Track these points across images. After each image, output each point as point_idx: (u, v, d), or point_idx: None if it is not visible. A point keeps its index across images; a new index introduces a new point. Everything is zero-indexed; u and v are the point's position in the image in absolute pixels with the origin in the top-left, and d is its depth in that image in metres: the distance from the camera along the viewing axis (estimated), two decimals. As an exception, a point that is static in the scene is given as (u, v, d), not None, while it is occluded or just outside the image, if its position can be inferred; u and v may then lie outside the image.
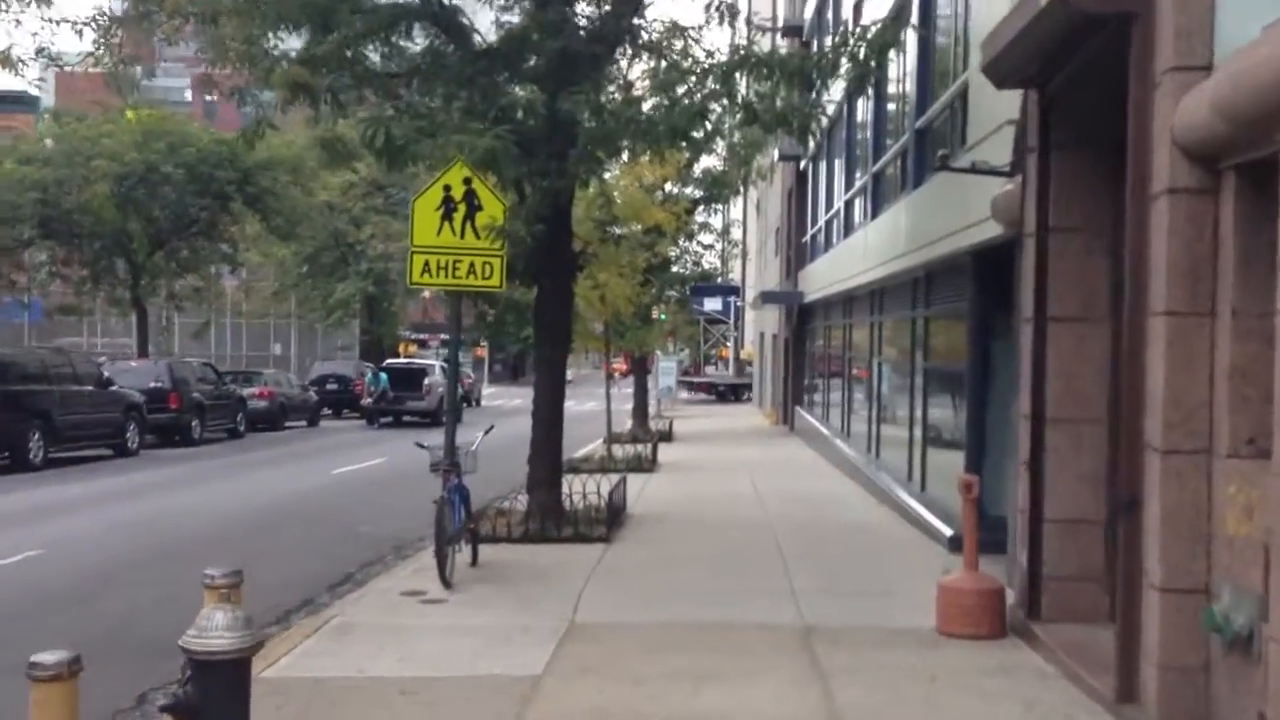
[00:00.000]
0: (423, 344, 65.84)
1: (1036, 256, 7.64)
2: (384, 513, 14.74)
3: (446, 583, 9.44)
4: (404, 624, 8.33)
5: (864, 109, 20.05)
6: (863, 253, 17.73)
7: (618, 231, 22.54)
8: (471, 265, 10.79)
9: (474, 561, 10.57)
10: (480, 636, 7.95)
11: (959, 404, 12.32)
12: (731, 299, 73.33)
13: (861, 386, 19.44)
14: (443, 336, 71.11)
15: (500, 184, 11.13)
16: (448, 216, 10.66)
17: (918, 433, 13.99)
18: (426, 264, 10.79)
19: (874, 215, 17.22)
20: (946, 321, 12.62)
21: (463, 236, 10.71)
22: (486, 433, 11.06)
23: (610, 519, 12.61)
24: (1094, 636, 7.38)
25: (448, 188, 10.64)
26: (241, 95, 11.04)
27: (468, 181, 10.62)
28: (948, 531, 11.25)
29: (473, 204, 10.67)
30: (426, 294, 25.21)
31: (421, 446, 10.64)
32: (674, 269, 30.42)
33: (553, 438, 12.91)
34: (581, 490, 13.23)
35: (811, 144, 11.12)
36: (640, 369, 30.59)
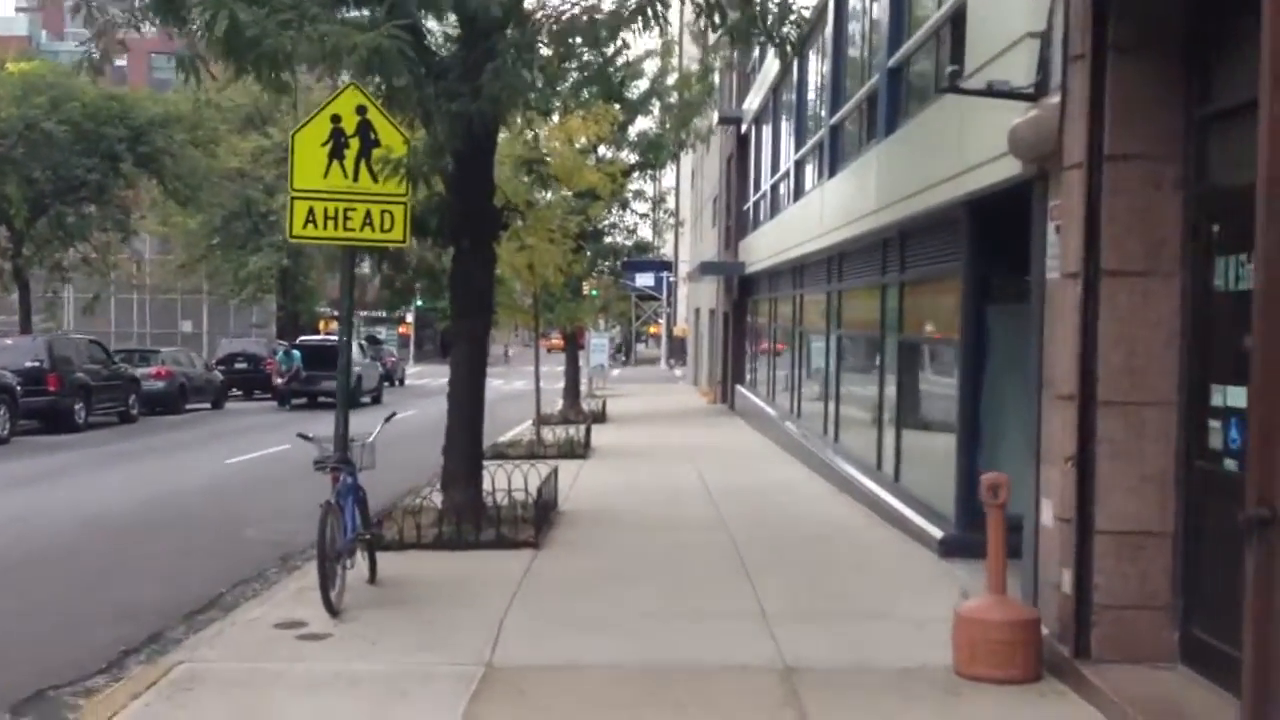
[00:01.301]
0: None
1: (1087, 194, 5.92)
2: (277, 511, 12.71)
3: (332, 610, 7.53)
4: (269, 672, 6.41)
5: (816, 61, 18.31)
6: (818, 216, 16.02)
7: (548, 195, 20.66)
8: (368, 215, 8.84)
9: (372, 578, 8.66)
10: (366, 691, 6.06)
11: (943, 382, 10.65)
12: (664, 274, 71.81)
13: (815, 363, 17.76)
14: (367, 314, 68.73)
15: (405, 118, 9.17)
16: (337, 154, 8.69)
17: (888, 415, 12.32)
18: (311, 213, 8.81)
19: (832, 173, 15.50)
20: (928, 286, 10.93)
21: (356, 179, 8.76)
22: (387, 420, 9.14)
23: (539, 518, 10.76)
24: (1163, 683, 5.74)
25: (336, 118, 8.67)
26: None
27: (362, 110, 8.66)
28: (935, 532, 9.58)
29: (368, 139, 8.71)
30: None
31: (305, 438, 8.67)
32: (607, 240, 28.53)
33: (471, 425, 11.02)
34: (506, 484, 11.37)
35: (789, 56, 9.24)
36: (572, 346, 28.73)
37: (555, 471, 12.57)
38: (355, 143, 8.68)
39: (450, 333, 11.14)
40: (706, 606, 7.92)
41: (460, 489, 10.81)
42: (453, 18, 10.26)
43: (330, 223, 8.76)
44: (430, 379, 51.62)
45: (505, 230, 11.57)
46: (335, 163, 8.70)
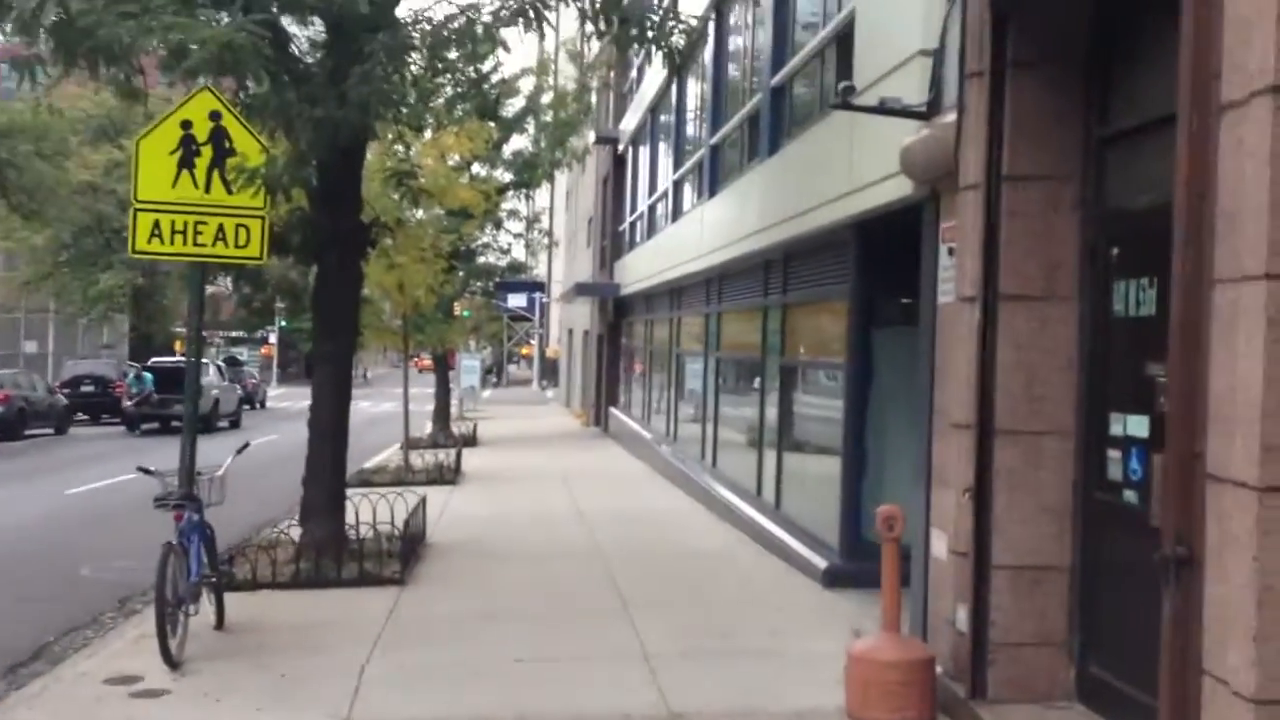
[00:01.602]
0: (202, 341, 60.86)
1: (985, 215, 5.69)
2: (119, 547, 11.75)
3: (172, 661, 6.83)
4: (97, 737, 5.73)
5: (696, 82, 18.14)
6: (696, 237, 15.78)
7: (419, 213, 20.01)
8: (221, 229, 8.17)
9: (219, 623, 7.95)
10: (208, 757, 5.44)
11: (827, 407, 10.43)
12: (537, 295, 71.24)
13: (693, 385, 17.50)
14: (227, 334, 66.36)
15: (266, 128, 8.52)
16: (187, 163, 8.01)
17: (769, 440, 12.06)
18: (157, 226, 8.11)
19: (712, 194, 15.28)
20: (812, 308, 10.71)
21: (209, 190, 8.09)
22: (240, 451, 8.43)
23: (406, 552, 10.15)
24: (1063, 724, 5.50)
25: (187, 124, 7.99)
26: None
27: (216, 116, 8.01)
28: (819, 562, 9.31)
29: (223, 147, 8.06)
30: (209, 287, 21.93)
31: (146, 472, 7.92)
32: (480, 259, 27.90)
33: (334, 453, 10.36)
34: (371, 516, 10.75)
35: (676, 61, 8.88)
36: (442, 367, 27.95)
37: (423, 501, 11.96)
38: (208, 151, 8.01)
39: (313, 355, 10.48)
40: (585, 648, 7.46)
41: (321, 522, 10.14)
42: (319, 24, 9.69)
43: (178, 237, 8.06)
44: (293, 401, 49.89)
45: (373, 248, 10.95)
46: (185, 172, 8.01)
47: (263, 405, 44.61)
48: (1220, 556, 3.74)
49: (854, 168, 8.56)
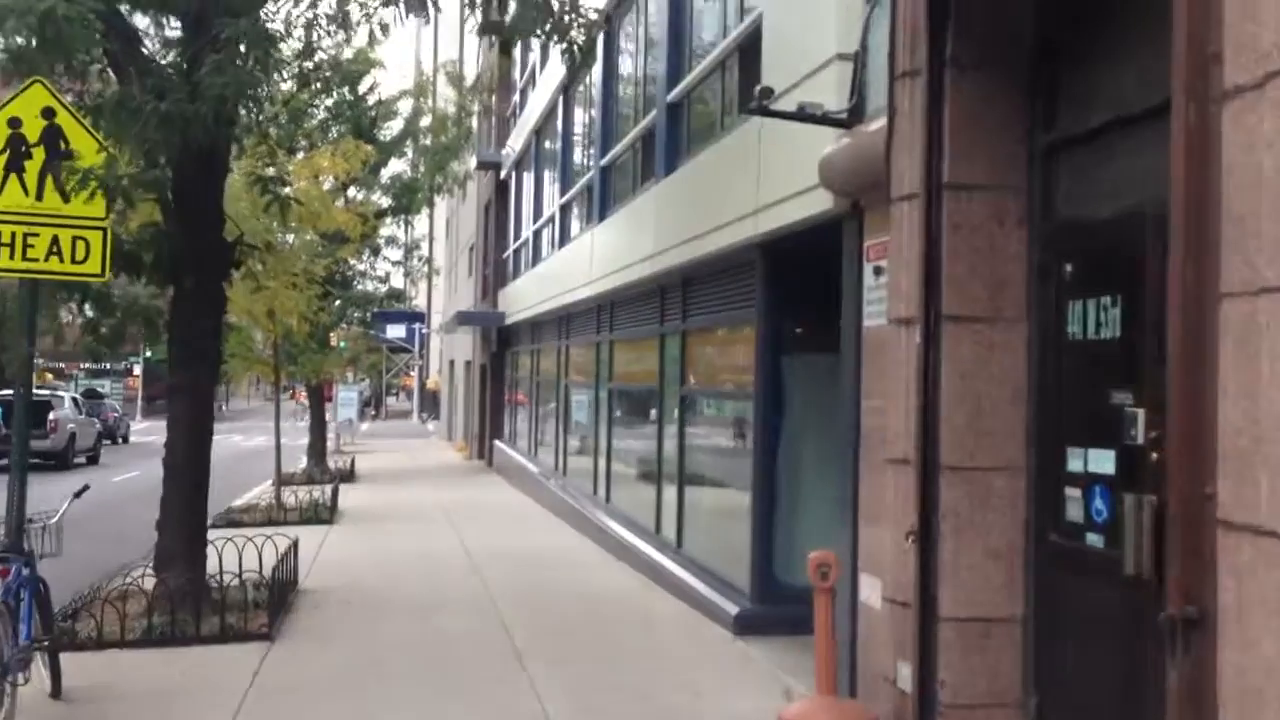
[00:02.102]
0: (60, 373, 57.89)
1: (925, 227, 5.15)
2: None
3: (-9, 746, 5.83)
4: None
5: (584, 107, 17.55)
6: (586, 263, 15.14)
7: (291, 239, 18.95)
8: (55, 242, 7.17)
9: (55, 691, 6.93)
10: None
11: (733, 439, 9.84)
12: (417, 325, 69.83)
13: (584, 417, 16.78)
14: (86, 365, 63.17)
15: (109, 129, 7.57)
16: (15, 166, 7.02)
17: (668, 474, 11.42)
18: (-19, 239, 7.08)
19: (601, 217, 14.66)
20: (714, 335, 10.12)
21: (40, 197, 7.11)
22: (78, 495, 7.42)
23: (275, 602, 9.19)
24: (1020, 795, 4.93)
25: (15, 122, 7.01)
26: None
27: (49, 114, 7.05)
28: (729, 607, 8.66)
29: (57, 148, 7.09)
30: (65, 317, 20.38)
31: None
32: (358, 287, 26.79)
33: (192, 494, 9.39)
34: (237, 560, 9.78)
35: (581, 61, 8.25)
36: (317, 400, 26.69)
37: (295, 544, 10.96)
38: (39, 153, 7.04)
39: (170, 386, 9.48)
40: (479, 714, 6.66)
41: (178, 570, 9.14)
42: (177, 24, 8.80)
43: (4, 250, 7.05)
44: (158, 436, 47.00)
45: (237, 269, 10.01)
46: (13, 177, 7.02)
47: (125, 440, 42.30)
48: (1241, 618, 3.19)
49: (762, 185, 8.01)
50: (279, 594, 9.49)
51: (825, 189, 6.60)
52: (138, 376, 71.46)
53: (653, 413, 12.29)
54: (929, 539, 5.09)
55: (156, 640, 8.43)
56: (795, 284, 8.48)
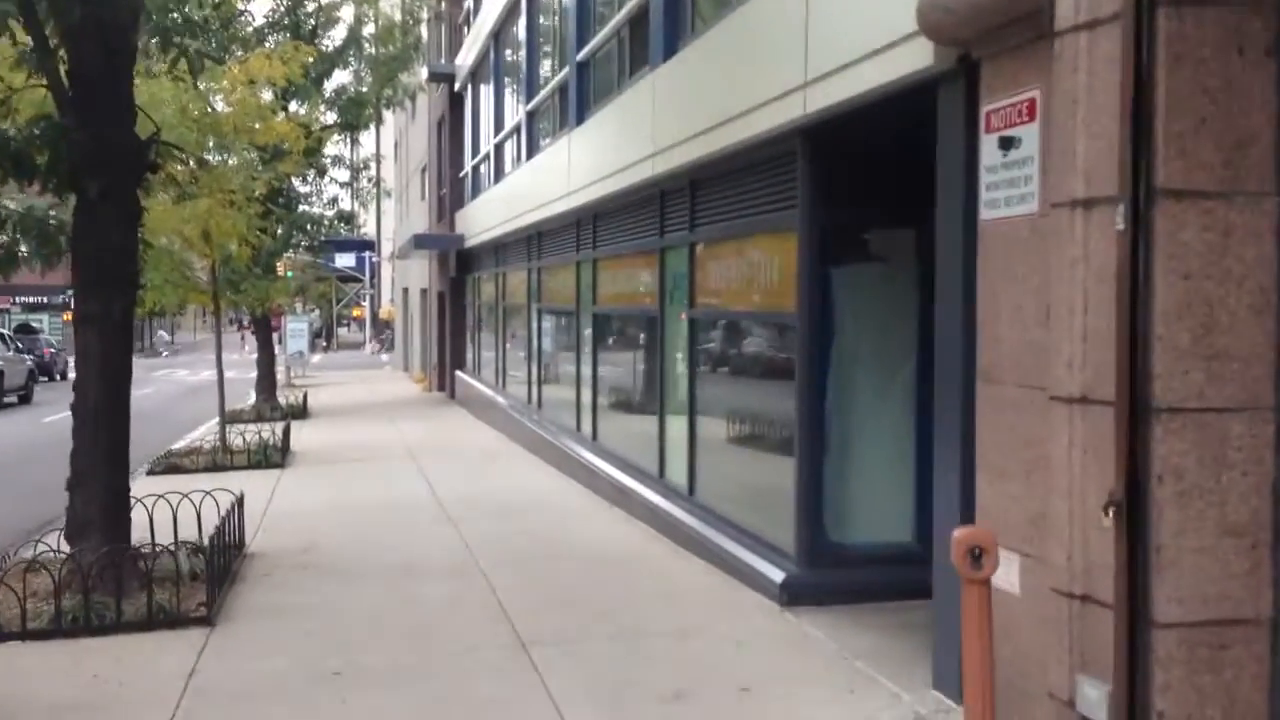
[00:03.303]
0: (-11, 308, 55.34)
1: (1133, 61, 3.55)
2: None
3: None
4: None
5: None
6: (562, 173, 13.41)
7: (230, 159, 17.01)
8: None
9: (-78, 714, 5.34)
10: None
11: (764, 368, 8.30)
12: (367, 254, 67.50)
13: (562, 345, 15.17)
14: (20, 299, 60.32)
15: None
16: None
17: (674, 410, 9.88)
18: None
19: (579, 120, 12.91)
20: (735, 246, 8.47)
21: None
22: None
23: (215, 574, 7.59)
24: None
25: None
26: None
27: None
28: (772, 573, 7.14)
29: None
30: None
31: None
32: (303, 209, 24.74)
33: (110, 446, 7.72)
34: (172, 521, 8.21)
35: None
36: (264, 331, 24.81)
37: (240, 500, 9.33)
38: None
39: (77, 316, 7.74)
40: (480, 729, 5.14)
41: (96, 539, 7.51)
42: None
43: None
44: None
45: (154, 173, 8.21)
46: None
47: (63, 377, 40.04)
48: None
49: (814, 52, 6.37)
50: (220, 563, 7.89)
51: (929, 37, 4.97)
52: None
53: (651, 338, 10.71)
54: (1139, 511, 3.57)
55: (66, 630, 6.83)
56: (851, 176, 6.90)
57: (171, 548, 7.82)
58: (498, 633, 6.67)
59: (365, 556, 8.99)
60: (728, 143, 7.78)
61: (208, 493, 9.13)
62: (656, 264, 10.22)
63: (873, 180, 6.95)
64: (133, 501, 8.79)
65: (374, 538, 9.78)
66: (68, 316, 69.62)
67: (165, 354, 43.54)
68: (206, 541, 7.86)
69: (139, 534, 8.35)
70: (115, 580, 7.22)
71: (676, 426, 9.69)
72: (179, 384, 33.93)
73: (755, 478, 8.11)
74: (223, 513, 8.63)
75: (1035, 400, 4.33)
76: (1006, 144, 4.66)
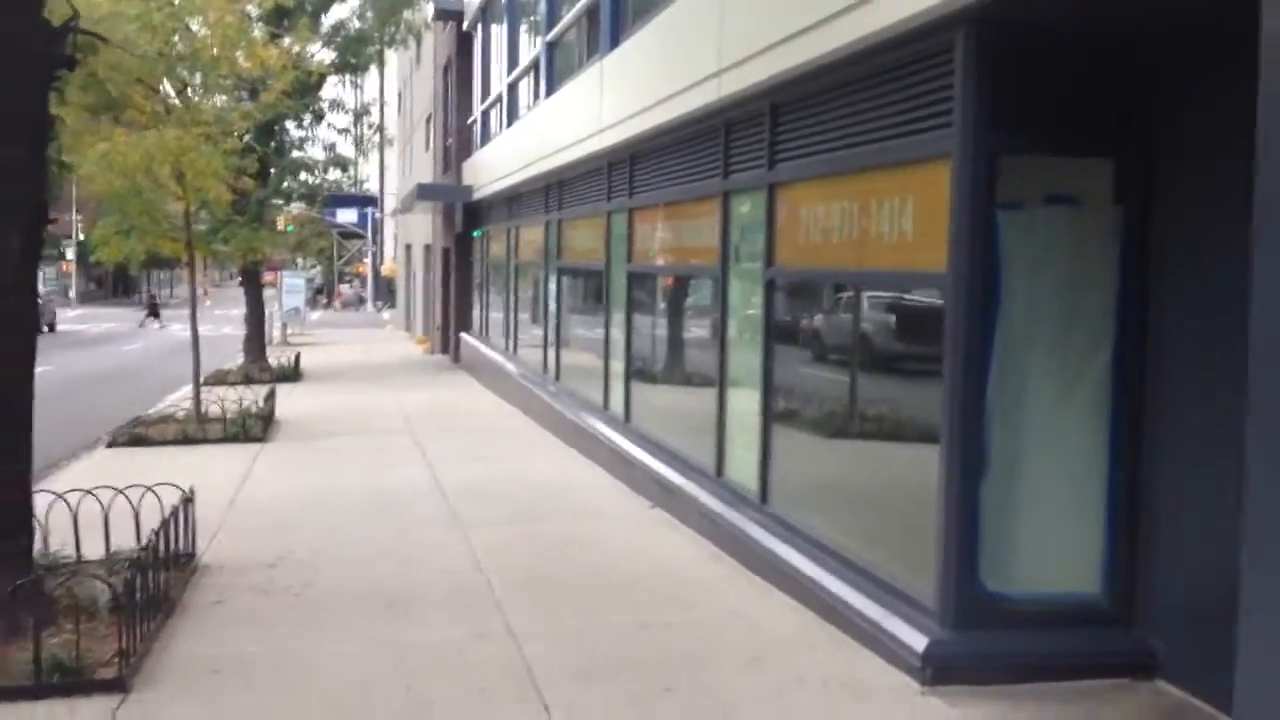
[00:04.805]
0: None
1: None
2: None
3: None
4: None
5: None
6: (592, 106, 11.39)
7: (218, 99, 15.01)
8: None
9: None
10: None
11: (876, 351, 6.31)
12: (369, 210, 65.38)
13: (587, 309, 13.17)
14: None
15: None
16: None
17: (742, 392, 7.91)
18: None
19: (614, 43, 10.84)
20: (841, 184, 6.41)
21: None
22: None
23: (148, 604, 5.66)
24: None
25: None
26: None
27: None
28: (910, 636, 5.14)
29: None
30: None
31: None
32: (295, 153, 22.61)
33: (8, 439, 5.76)
34: (102, 526, 6.34)
35: None
36: (254, 285, 22.80)
37: (190, 498, 7.36)
38: None
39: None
40: None
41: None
42: None
43: None
44: (94, 324, 43.57)
45: (71, 69, 6.18)
46: None
47: (51, 329, 38.11)
48: None
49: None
50: (155, 586, 5.95)
51: None
52: (71, 261, 66.59)
53: (705, 304, 8.73)
54: None
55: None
56: (1030, 84, 4.92)
57: (102, 569, 5.89)
58: (529, 709, 4.72)
59: (347, 575, 7.03)
60: (840, 43, 5.74)
61: (148, 489, 7.16)
62: (717, 212, 8.18)
63: (1060, 91, 4.97)
64: (51, 497, 6.92)
65: (361, 545, 7.83)
66: (65, 266, 67.67)
67: (158, 326, 41.45)
68: (141, 554, 5.92)
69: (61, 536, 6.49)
70: (8, 621, 5.30)
71: (742, 413, 7.70)
72: (171, 339, 31.95)
73: (868, 493, 6.13)
74: (168, 512, 6.72)
75: None
76: None
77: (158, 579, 6.10)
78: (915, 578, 5.26)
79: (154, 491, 7.13)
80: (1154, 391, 5.05)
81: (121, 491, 7.11)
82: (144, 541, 6.20)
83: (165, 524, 6.53)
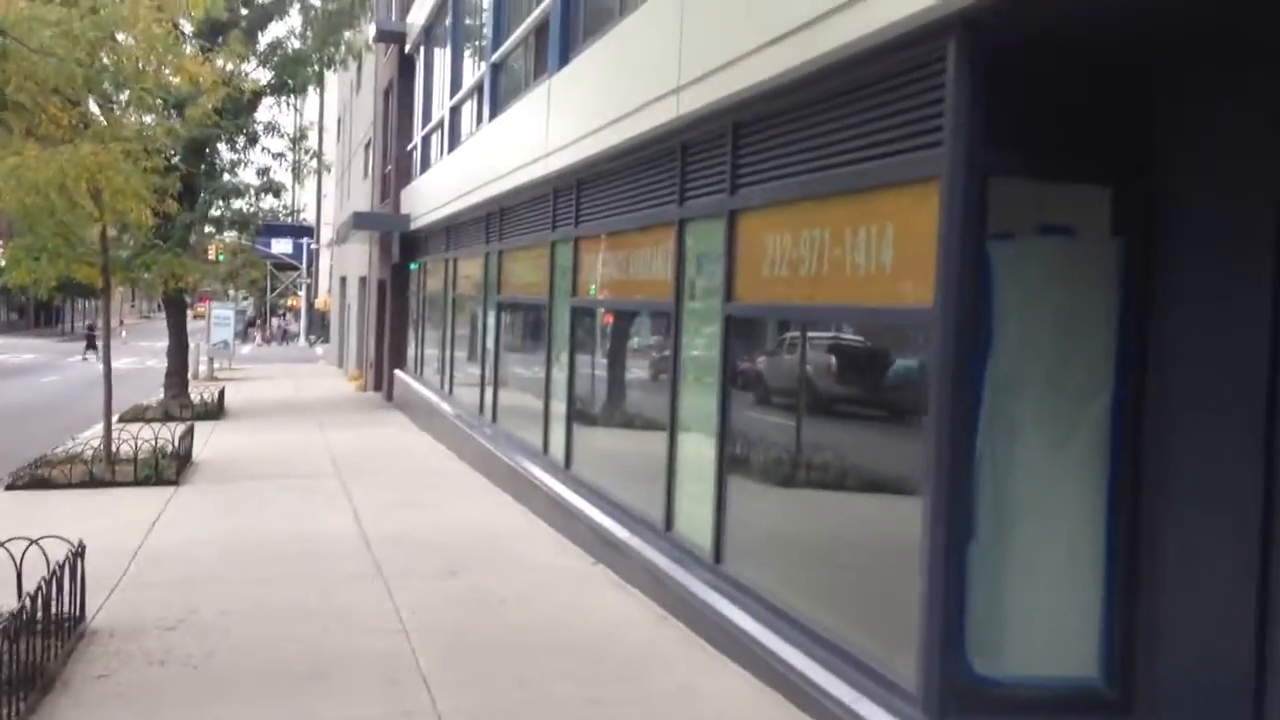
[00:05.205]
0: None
1: None
2: None
3: None
4: None
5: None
6: (542, 125, 10.79)
7: (138, 115, 14.17)
8: None
9: None
10: None
11: (847, 393, 5.73)
12: (305, 240, 64.17)
13: (527, 345, 12.51)
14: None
15: None
16: None
17: (690, 447, 7.29)
18: None
19: (563, 61, 10.28)
20: (811, 210, 5.84)
21: None
22: None
23: (19, 680, 4.87)
24: None
25: None
26: None
27: None
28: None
29: None
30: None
31: None
32: (226, 177, 21.70)
33: None
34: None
35: None
36: (177, 314, 21.75)
37: (79, 553, 6.55)
38: None
39: None
40: None
41: None
42: None
43: None
44: (12, 354, 41.87)
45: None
46: None
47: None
48: None
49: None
50: (29, 660, 5.16)
51: None
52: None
53: (653, 342, 8.12)
54: None
55: None
56: (1028, 102, 4.40)
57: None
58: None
59: (258, 640, 6.28)
60: (816, 53, 5.19)
61: (33, 542, 6.35)
62: (672, 241, 7.60)
63: (1058, 110, 4.46)
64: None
65: (275, 604, 7.06)
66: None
67: (85, 358, 39.89)
68: (27, 613, 5.13)
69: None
70: None
71: (696, 461, 7.09)
72: (93, 371, 30.67)
73: (835, 555, 5.53)
74: (51, 572, 5.92)
75: None
76: None
77: (32, 648, 5.32)
78: (892, 655, 4.65)
79: (39, 545, 6.33)
80: (1156, 442, 4.53)
81: (3, 544, 6.30)
82: (53, 594, 5.44)
83: (47, 583, 5.75)
